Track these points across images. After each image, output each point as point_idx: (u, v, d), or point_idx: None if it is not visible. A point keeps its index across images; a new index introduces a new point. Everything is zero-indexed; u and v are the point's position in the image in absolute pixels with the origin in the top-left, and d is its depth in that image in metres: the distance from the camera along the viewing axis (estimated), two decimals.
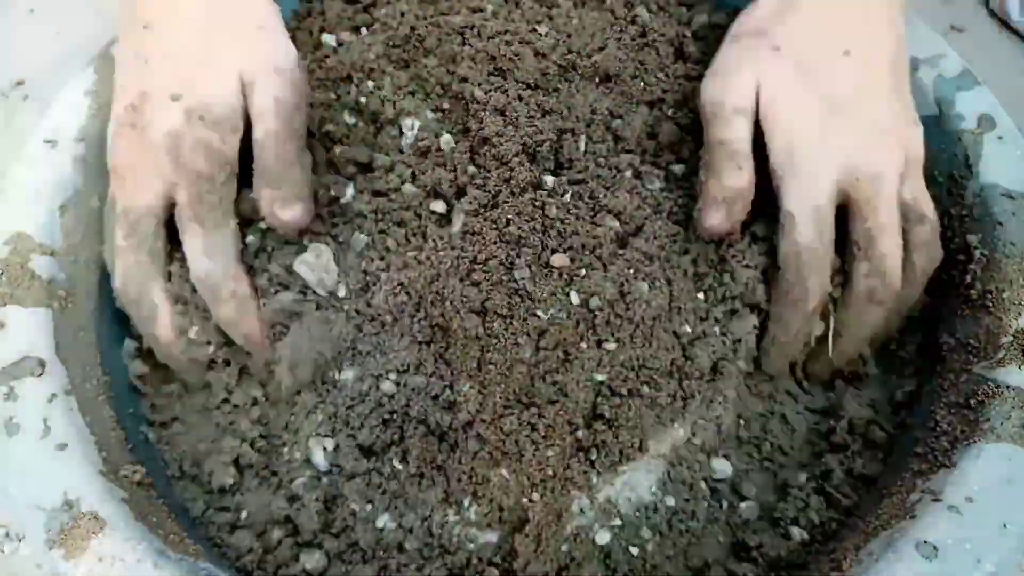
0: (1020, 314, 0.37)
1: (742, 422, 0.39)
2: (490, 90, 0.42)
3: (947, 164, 0.41)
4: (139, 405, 0.40)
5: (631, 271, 0.37)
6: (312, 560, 0.36)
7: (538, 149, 0.40)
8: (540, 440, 0.35)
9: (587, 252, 0.37)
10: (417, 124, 0.42)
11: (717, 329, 0.38)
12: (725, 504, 0.37)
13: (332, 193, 0.40)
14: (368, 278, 0.39)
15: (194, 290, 0.38)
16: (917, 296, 0.39)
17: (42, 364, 0.36)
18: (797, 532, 0.36)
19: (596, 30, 0.45)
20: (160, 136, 0.38)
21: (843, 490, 0.37)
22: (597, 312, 0.36)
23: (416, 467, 0.36)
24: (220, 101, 0.38)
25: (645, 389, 0.36)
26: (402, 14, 0.46)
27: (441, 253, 0.38)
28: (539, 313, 0.36)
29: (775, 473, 0.38)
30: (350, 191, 0.41)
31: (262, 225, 0.39)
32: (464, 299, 0.36)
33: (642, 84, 0.44)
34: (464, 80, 0.42)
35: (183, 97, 0.38)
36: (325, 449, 0.38)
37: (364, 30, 0.46)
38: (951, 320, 0.39)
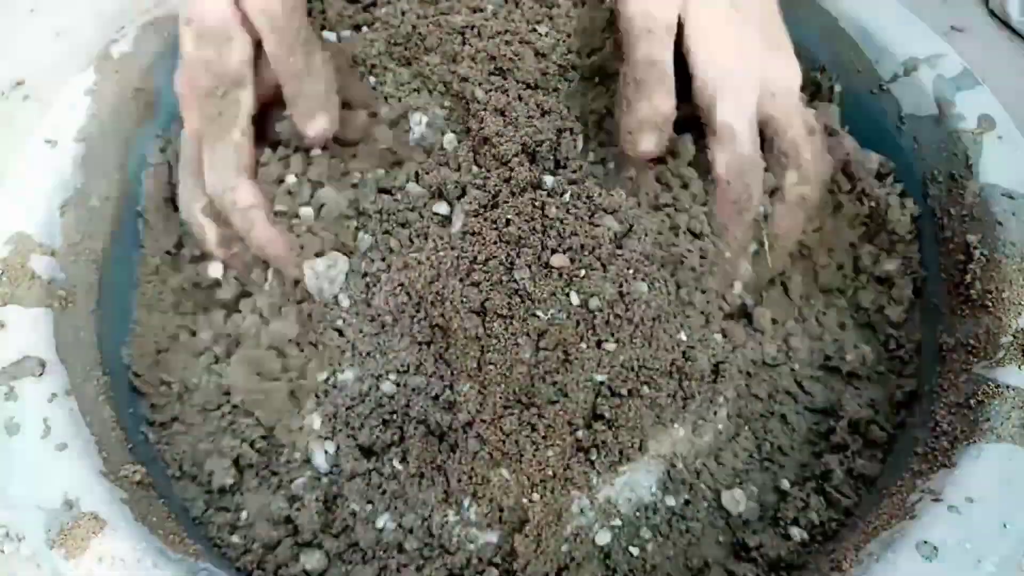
0: (1020, 314, 0.37)
1: (742, 422, 0.39)
2: (491, 90, 0.42)
3: (947, 164, 0.41)
4: (139, 405, 0.40)
5: (630, 271, 0.37)
6: (312, 560, 0.36)
7: (538, 149, 0.40)
8: (540, 440, 0.35)
9: (587, 252, 0.37)
10: (424, 119, 0.42)
11: (718, 336, 0.38)
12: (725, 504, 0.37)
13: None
14: (368, 279, 0.39)
15: None
16: (818, 201, 0.41)
17: (42, 364, 0.37)
18: (797, 532, 0.36)
19: (596, 30, 0.45)
20: (182, 64, 0.40)
21: (843, 490, 0.37)
22: (597, 312, 0.36)
23: (416, 467, 0.36)
24: (211, 14, 0.39)
25: (645, 389, 0.36)
26: (403, 13, 0.46)
27: (441, 253, 0.38)
28: (539, 313, 0.36)
29: (775, 473, 0.38)
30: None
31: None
32: (464, 299, 0.36)
33: None
34: (465, 80, 0.42)
35: (190, 20, 0.39)
36: (326, 450, 0.38)
37: (365, 28, 0.47)
38: (951, 320, 0.39)
